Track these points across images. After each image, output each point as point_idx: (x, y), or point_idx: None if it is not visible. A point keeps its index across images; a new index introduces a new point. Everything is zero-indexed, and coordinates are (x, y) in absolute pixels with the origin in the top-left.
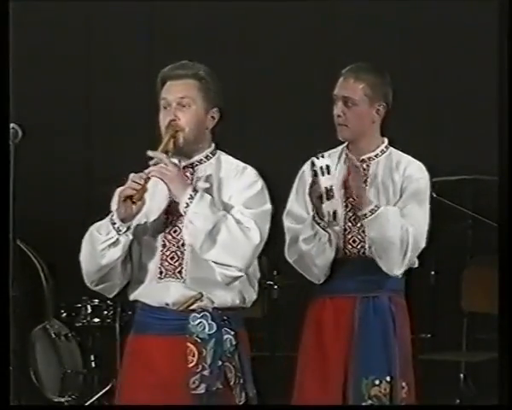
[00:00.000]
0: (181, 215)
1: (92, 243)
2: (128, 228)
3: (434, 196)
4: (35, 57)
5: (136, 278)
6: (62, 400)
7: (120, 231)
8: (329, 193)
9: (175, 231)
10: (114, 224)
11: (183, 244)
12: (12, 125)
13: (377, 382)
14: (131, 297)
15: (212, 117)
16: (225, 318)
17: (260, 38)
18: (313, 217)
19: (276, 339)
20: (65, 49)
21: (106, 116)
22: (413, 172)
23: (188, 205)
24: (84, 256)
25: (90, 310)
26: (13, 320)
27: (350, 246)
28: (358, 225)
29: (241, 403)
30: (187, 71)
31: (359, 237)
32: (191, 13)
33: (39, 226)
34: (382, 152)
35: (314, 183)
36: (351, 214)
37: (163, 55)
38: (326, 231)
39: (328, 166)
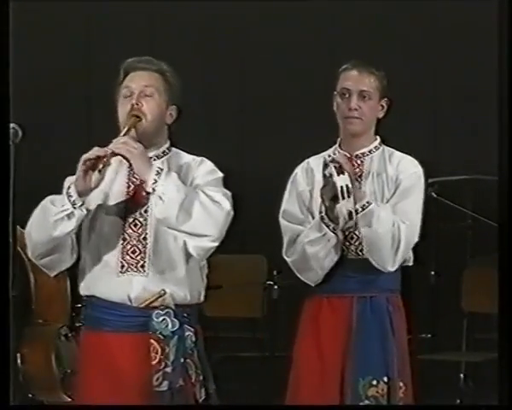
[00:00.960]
0: (141, 208)
1: (44, 214)
2: (83, 203)
3: (434, 196)
4: (35, 57)
5: (91, 272)
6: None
7: (76, 204)
8: (346, 193)
9: (135, 225)
10: (71, 196)
11: (144, 238)
12: (12, 125)
13: (374, 382)
14: (87, 292)
15: (171, 114)
16: (185, 315)
17: (260, 38)
18: (322, 218)
19: (276, 339)
20: (65, 49)
21: (106, 116)
22: (406, 167)
23: (156, 181)
24: (33, 227)
25: None
26: (13, 320)
27: (347, 243)
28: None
29: (201, 400)
30: (151, 65)
31: (356, 232)
32: (191, 13)
33: None
34: (376, 148)
35: (326, 184)
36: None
37: (163, 55)
38: (335, 234)
39: (341, 166)
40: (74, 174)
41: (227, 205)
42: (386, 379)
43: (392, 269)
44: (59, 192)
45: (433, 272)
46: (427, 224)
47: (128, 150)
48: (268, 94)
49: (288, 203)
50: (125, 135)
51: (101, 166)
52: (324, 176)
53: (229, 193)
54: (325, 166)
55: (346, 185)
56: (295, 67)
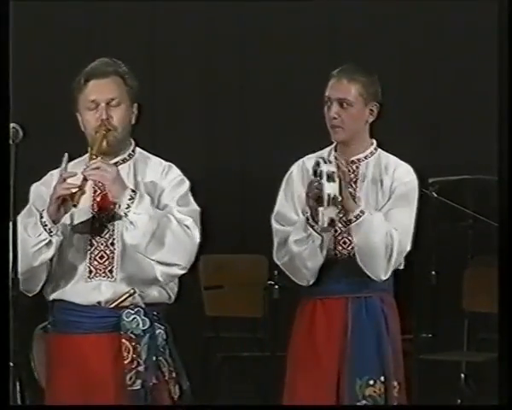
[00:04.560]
0: (108, 214)
1: (21, 244)
2: (58, 228)
3: (434, 196)
4: (35, 57)
5: (60, 278)
6: None
7: (52, 232)
8: (331, 201)
9: (102, 231)
10: (46, 225)
11: (112, 243)
12: (12, 125)
13: (371, 382)
14: (53, 296)
15: (133, 112)
16: (155, 313)
17: (260, 38)
18: (307, 219)
19: (277, 339)
20: (65, 49)
21: None
22: (402, 175)
23: (129, 206)
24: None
25: None
26: (13, 320)
27: (340, 247)
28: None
29: (176, 397)
30: (110, 68)
31: (350, 238)
32: (191, 13)
33: None
34: (372, 153)
35: (313, 184)
36: (341, 216)
37: (163, 55)
38: (319, 235)
39: (333, 173)
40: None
41: (197, 235)
42: (382, 379)
43: (384, 278)
44: None
45: (433, 272)
46: (427, 224)
47: (102, 176)
48: (269, 93)
49: (282, 204)
50: (99, 150)
51: (77, 198)
52: (315, 173)
53: (197, 210)
54: (317, 165)
55: (334, 194)
56: (296, 67)
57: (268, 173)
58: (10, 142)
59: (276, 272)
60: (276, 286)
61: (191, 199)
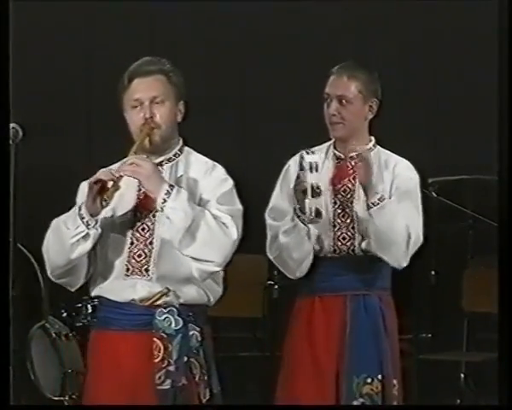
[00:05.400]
0: (150, 213)
1: (60, 237)
2: (96, 221)
3: (434, 195)
4: (35, 57)
5: (99, 274)
6: (62, 399)
7: (90, 224)
8: (315, 190)
9: (143, 229)
10: (83, 218)
11: (150, 242)
12: (12, 124)
13: (369, 380)
14: (94, 293)
15: (180, 110)
16: (191, 314)
17: (260, 39)
18: (294, 210)
19: (276, 339)
20: (65, 49)
21: (106, 116)
22: (402, 171)
23: (165, 201)
24: (50, 250)
25: (90, 310)
26: (13, 320)
27: (339, 243)
28: (348, 221)
29: (205, 400)
30: (154, 66)
31: (349, 233)
32: (191, 12)
33: (39, 226)
34: (370, 150)
35: (300, 177)
36: (340, 211)
37: (163, 54)
38: (305, 225)
39: (316, 164)
40: (74, 175)
41: (234, 233)
42: (380, 377)
43: (404, 265)
44: (59, 192)
45: (433, 272)
46: (427, 224)
47: (135, 172)
48: (270, 95)
49: (277, 199)
50: (139, 147)
51: (110, 193)
52: (300, 166)
53: (239, 209)
54: (301, 158)
55: (318, 184)
56: (296, 66)
57: (268, 173)
58: (10, 142)
59: (276, 272)
60: (276, 286)
61: (234, 198)
